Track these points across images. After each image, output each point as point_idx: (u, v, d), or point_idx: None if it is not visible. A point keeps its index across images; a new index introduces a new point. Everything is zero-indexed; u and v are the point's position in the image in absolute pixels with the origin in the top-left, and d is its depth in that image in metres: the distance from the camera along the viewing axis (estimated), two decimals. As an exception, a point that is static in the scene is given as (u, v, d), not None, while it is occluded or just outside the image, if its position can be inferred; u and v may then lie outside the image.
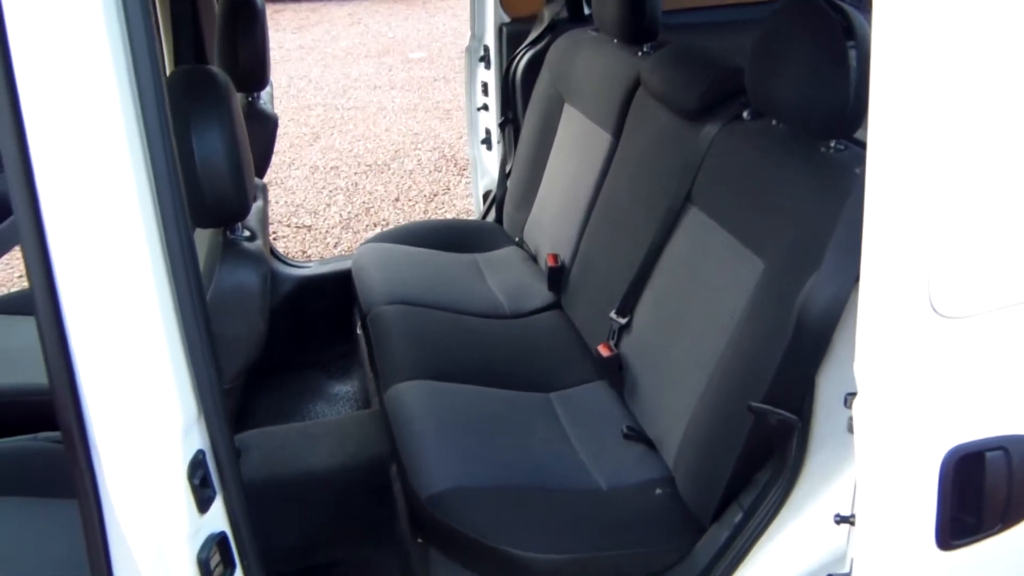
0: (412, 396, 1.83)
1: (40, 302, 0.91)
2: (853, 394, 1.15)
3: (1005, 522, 1.10)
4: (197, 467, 1.01)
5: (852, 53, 1.38)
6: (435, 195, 4.63)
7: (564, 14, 2.62)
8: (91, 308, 0.93)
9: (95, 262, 0.91)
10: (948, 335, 1.01)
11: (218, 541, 1.06)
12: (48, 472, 1.58)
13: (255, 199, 1.41)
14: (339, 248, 4.10)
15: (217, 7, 2.01)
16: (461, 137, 5.43)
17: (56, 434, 1.71)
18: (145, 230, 0.92)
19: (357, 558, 1.97)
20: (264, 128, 2.01)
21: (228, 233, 1.35)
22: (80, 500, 1.01)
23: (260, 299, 1.30)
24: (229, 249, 1.31)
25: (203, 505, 1.03)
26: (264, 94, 2.11)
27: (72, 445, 0.98)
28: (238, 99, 1.34)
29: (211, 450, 1.05)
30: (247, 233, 1.36)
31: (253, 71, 1.85)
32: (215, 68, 1.34)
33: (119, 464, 0.98)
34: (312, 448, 1.99)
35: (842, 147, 1.51)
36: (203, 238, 1.36)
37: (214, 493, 1.06)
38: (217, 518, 1.07)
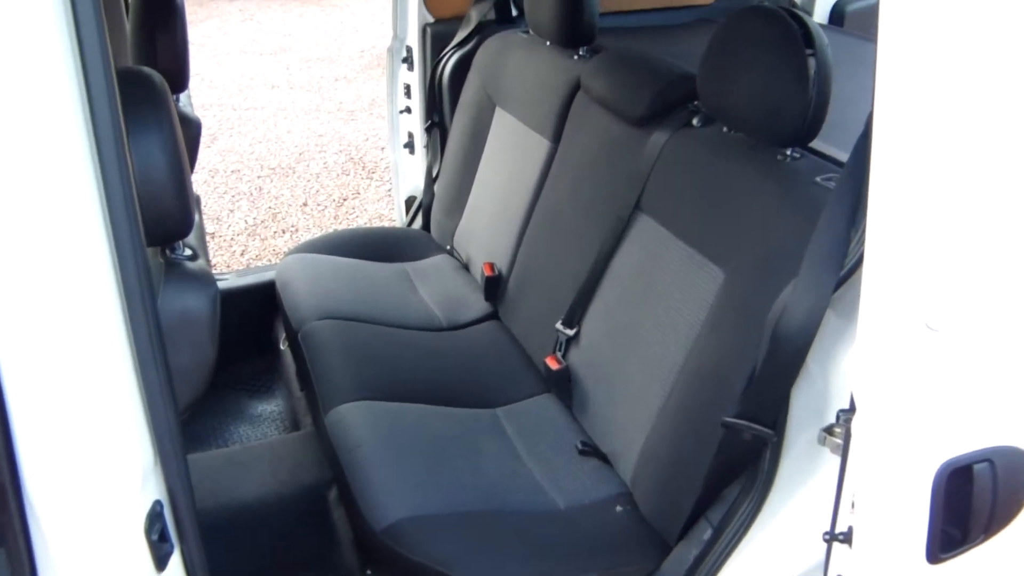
0: (356, 418, 1.73)
1: None
2: (844, 410, 1.14)
3: (988, 533, 1.10)
4: (155, 520, 0.90)
5: (811, 62, 1.38)
6: (344, 199, 4.49)
7: (492, 15, 2.55)
8: (30, 338, 0.80)
9: (35, 285, 0.79)
10: (940, 350, 1.00)
11: (177, 601, 0.95)
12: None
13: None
14: (246, 256, 3.91)
15: (129, 2, 1.85)
16: (368, 139, 5.29)
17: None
18: (96, 251, 0.81)
19: (296, 592, 1.85)
20: (188, 133, 1.86)
21: (168, 252, 1.23)
22: (10, 561, 0.88)
23: (210, 324, 1.18)
24: (172, 271, 1.19)
25: (160, 562, 0.92)
26: (183, 96, 1.96)
27: (3, 498, 0.85)
28: (173, 102, 1.21)
29: (168, 499, 0.94)
30: (188, 252, 1.24)
31: (174, 72, 1.71)
32: (147, 69, 1.21)
33: (63, 520, 0.86)
34: (242, 476, 1.86)
35: (798, 155, 1.51)
36: None
37: (172, 547, 0.94)
38: (175, 574, 0.96)
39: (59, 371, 0.81)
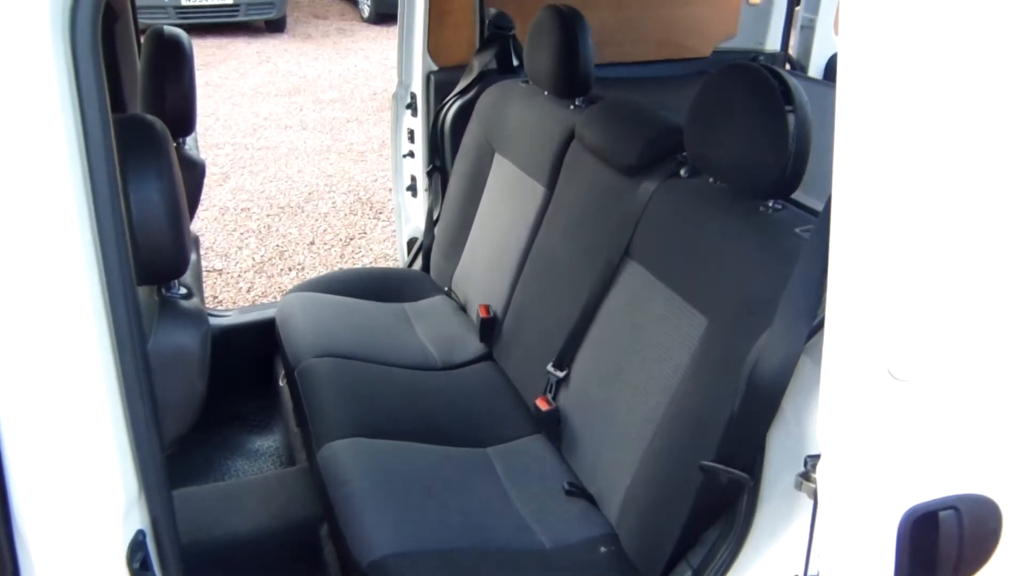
0: (347, 455, 1.76)
1: None
2: (812, 456, 1.16)
3: (956, 579, 1.12)
4: (137, 549, 0.93)
5: (791, 118, 1.43)
6: (351, 239, 4.55)
7: (493, 65, 2.63)
8: (22, 372, 0.85)
9: (26, 319, 0.83)
10: (903, 398, 1.03)
11: (158, 629, 0.97)
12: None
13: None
14: (252, 293, 3.97)
15: (140, 48, 1.92)
16: (376, 180, 5.38)
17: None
18: (87, 288, 0.85)
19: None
20: (191, 175, 1.92)
21: (163, 290, 1.27)
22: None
23: (200, 361, 1.22)
24: (165, 308, 1.24)
25: (142, 590, 0.95)
26: (189, 139, 2.02)
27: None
28: (173, 148, 1.27)
29: (151, 529, 0.97)
30: (183, 290, 1.29)
31: (180, 116, 1.77)
32: (150, 116, 1.27)
33: (48, 547, 0.89)
34: (235, 509, 1.89)
35: (779, 207, 1.56)
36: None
37: (154, 576, 0.97)
38: (156, 603, 0.99)
39: (48, 403, 0.85)
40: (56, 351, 0.85)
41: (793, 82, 1.46)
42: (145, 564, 0.95)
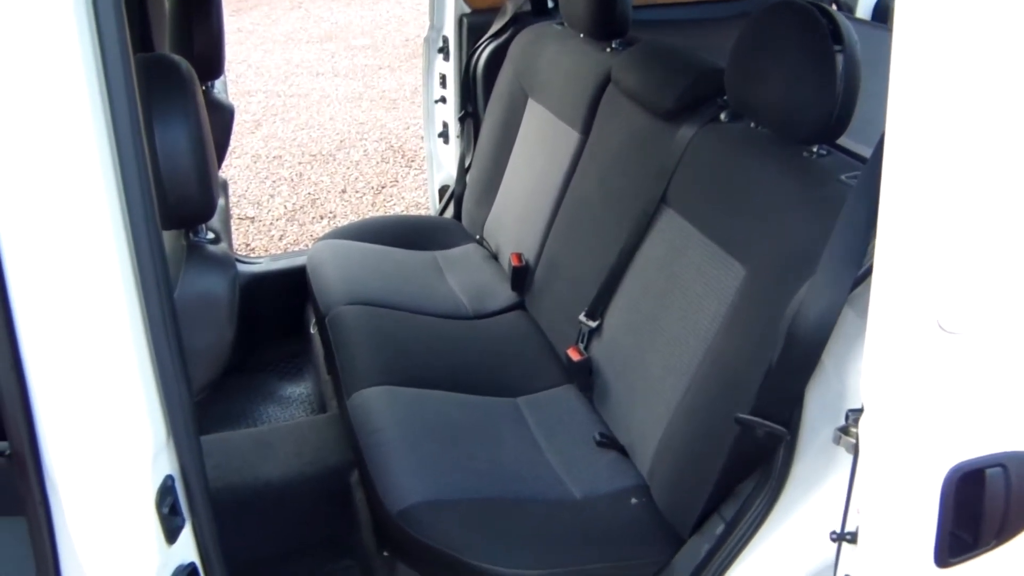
0: (377, 403, 1.75)
1: None
2: (854, 410, 1.13)
3: (1000, 538, 1.09)
4: (166, 494, 0.93)
5: (839, 58, 1.36)
6: (383, 187, 4.53)
7: (527, 7, 2.55)
8: (48, 318, 0.83)
9: (53, 265, 0.82)
10: (953, 352, 0.99)
11: (187, 573, 0.98)
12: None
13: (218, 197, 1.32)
14: (284, 241, 3.97)
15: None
16: (408, 128, 5.33)
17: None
18: (112, 232, 0.83)
19: (316, 571, 1.88)
20: (220, 119, 1.90)
21: (191, 235, 1.26)
22: (31, 530, 0.92)
23: (228, 306, 1.21)
24: (193, 253, 1.22)
25: (171, 535, 0.95)
26: (218, 83, 2.00)
27: (24, 469, 0.89)
28: (200, 90, 1.24)
29: (180, 474, 0.97)
30: (211, 235, 1.27)
31: (209, 59, 1.75)
32: (175, 56, 1.24)
33: (78, 492, 0.89)
34: (267, 456, 1.90)
35: (824, 152, 1.50)
36: (164, 241, 1.26)
37: (183, 521, 0.97)
38: (186, 548, 0.99)
39: (75, 350, 0.84)
40: (81, 297, 0.84)
41: (843, 20, 1.38)
42: (174, 509, 0.95)
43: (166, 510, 0.93)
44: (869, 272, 1.21)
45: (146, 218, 0.85)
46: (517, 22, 2.52)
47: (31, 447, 0.87)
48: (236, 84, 6.08)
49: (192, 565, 0.99)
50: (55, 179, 0.79)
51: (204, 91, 1.92)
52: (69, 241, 0.82)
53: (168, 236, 1.30)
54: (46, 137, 0.78)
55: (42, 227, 0.81)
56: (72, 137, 0.79)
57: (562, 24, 2.34)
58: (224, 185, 1.64)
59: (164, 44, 1.89)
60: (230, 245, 1.46)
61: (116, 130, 0.82)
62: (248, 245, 3.92)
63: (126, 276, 0.86)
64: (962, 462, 1.03)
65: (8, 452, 1.50)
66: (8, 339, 0.83)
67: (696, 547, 1.43)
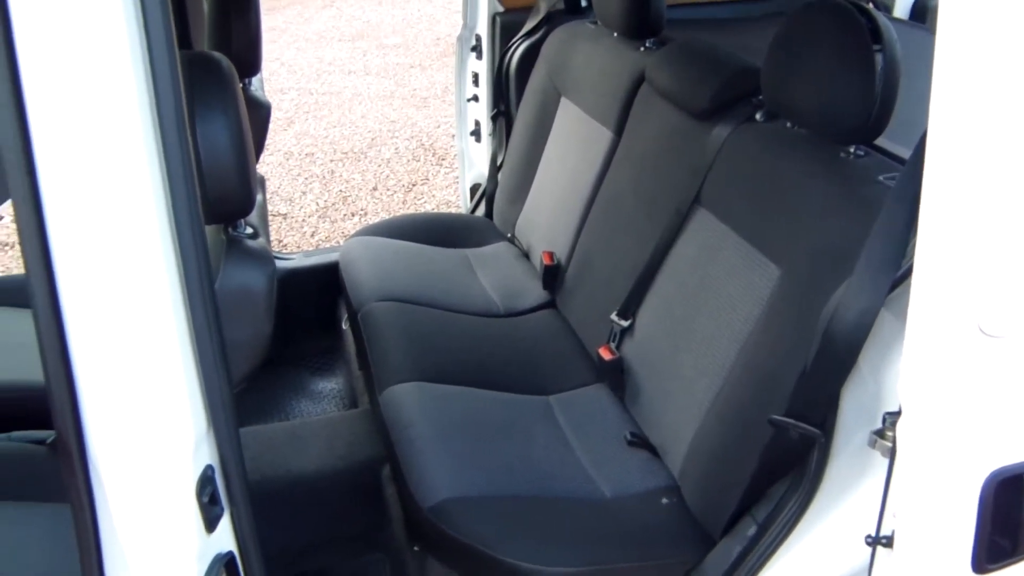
0: (409, 398, 1.77)
1: (39, 301, 0.83)
2: (891, 413, 1.12)
3: (1039, 545, 1.07)
4: (206, 483, 0.95)
5: (878, 57, 1.35)
6: (414, 185, 4.55)
7: (561, 5, 2.56)
8: (95, 311, 0.85)
9: (101, 260, 0.84)
10: (994, 355, 0.98)
11: (226, 562, 0.99)
12: (22, 474, 1.49)
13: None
14: (316, 237, 4.01)
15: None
16: (439, 126, 5.35)
17: (29, 434, 1.62)
18: (158, 227, 0.85)
19: (347, 564, 1.90)
20: (257, 116, 1.92)
21: (230, 230, 1.28)
22: (75, 517, 0.94)
23: (266, 300, 1.23)
24: (232, 248, 1.24)
25: (211, 524, 0.96)
26: (255, 80, 2.02)
27: (69, 458, 0.91)
28: (239, 87, 1.26)
29: (219, 464, 0.98)
30: (250, 230, 1.29)
31: (247, 56, 1.77)
32: (217, 54, 1.26)
33: (122, 480, 0.91)
34: (300, 449, 1.92)
35: (862, 153, 1.48)
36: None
37: (222, 510, 0.99)
38: (224, 537, 1.01)
39: (121, 342, 0.86)
40: (127, 291, 0.85)
41: (883, 19, 1.37)
42: (214, 498, 0.96)
43: (206, 499, 0.94)
44: (907, 274, 1.20)
45: (190, 213, 0.87)
46: (550, 21, 2.52)
47: (77, 436, 0.89)
48: (269, 82, 6.13)
49: (230, 553, 1.01)
50: (104, 175, 0.81)
51: (242, 88, 1.94)
52: (116, 235, 0.83)
53: (208, 231, 1.32)
54: (97, 134, 0.80)
55: (91, 222, 0.82)
56: (121, 134, 0.81)
57: (595, 23, 2.34)
58: (261, 181, 1.67)
59: (202, 41, 1.91)
60: (268, 240, 1.48)
61: (162, 127, 0.84)
62: (280, 241, 3.96)
63: (171, 271, 0.87)
64: (1001, 467, 1.02)
65: (50, 441, 1.53)
66: (57, 332, 0.85)
67: (727, 548, 1.43)
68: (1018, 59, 0.84)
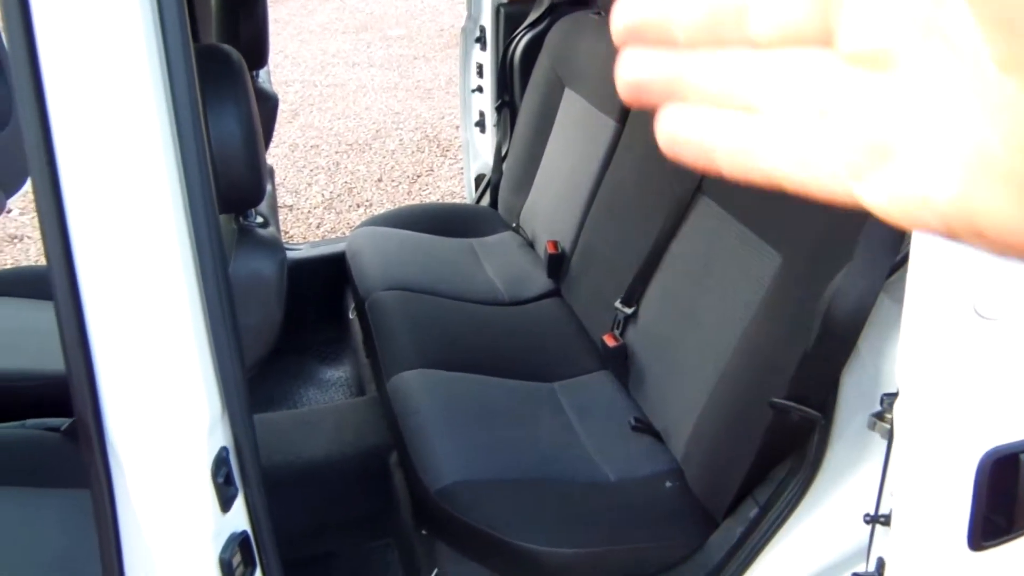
0: (416, 385, 1.79)
1: (59, 289, 0.86)
2: (889, 394, 1.14)
3: (1034, 523, 1.10)
4: (221, 464, 0.97)
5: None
6: (418, 176, 4.57)
7: (564, -4, 2.57)
8: (114, 298, 0.88)
9: (119, 249, 0.86)
10: (989, 337, 1.00)
11: (240, 541, 1.02)
12: (38, 461, 1.52)
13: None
14: (322, 228, 4.04)
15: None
16: (443, 117, 5.36)
17: (44, 421, 1.65)
18: (172, 214, 0.88)
19: (356, 549, 1.94)
20: (265, 108, 1.94)
21: (241, 219, 1.30)
22: (94, 497, 0.97)
23: (277, 287, 1.25)
24: (243, 236, 1.26)
25: (226, 504, 0.99)
26: (262, 72, 2.04)
27: (88, 441, 0.93)
28: (249, 78, 1.28)
29: (233, 446, 1.01)
30: (260, 219, 1.31)
31: (255, 48, 1.79)
32: (227, 46, 1.28)
33: (140, 462, 0.94)
34: (309, 436, 1.95)
35: (863, 140, 1.50)
36: None
37: (236, 491, 1.02)
38: (239, 517, 1.03)
39: (138, 327, 0.89)
40: (144, 278, 0.88)
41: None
42: (228, 479, 0.99)
43: (221, 480, 0.97)
44: (905, 259, 1.22)
45: (204, 202, 0.89)
46: (554, 11, 2.54)
47: (96, 420, 0.92)
48: (273, 74, 6.12)
49: (244, 533, 1.04)
50: (123, 166, 0.83)
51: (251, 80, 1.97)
52: (134, 224, 0.86)
53: (220, 220, 1.35)
54: (115, 127, 0.82)
55: (109, 211, 0.85)
56: (138, 126, 0.83)
57: (599, 13, 2.35)
58: (271, 172, 1.69)
59: (210, 34, 1.93)
60: (277, 229, 1.50)
61: (178, 119, 0.86)
62: (287, 232, 3.98)
63: (186, 258, 0.90)
64: (997, 447, 1.04)
65: (64, 428, 1.56)
66: (76, 319, 0.87)
67: (730, 530, 1.46)
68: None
